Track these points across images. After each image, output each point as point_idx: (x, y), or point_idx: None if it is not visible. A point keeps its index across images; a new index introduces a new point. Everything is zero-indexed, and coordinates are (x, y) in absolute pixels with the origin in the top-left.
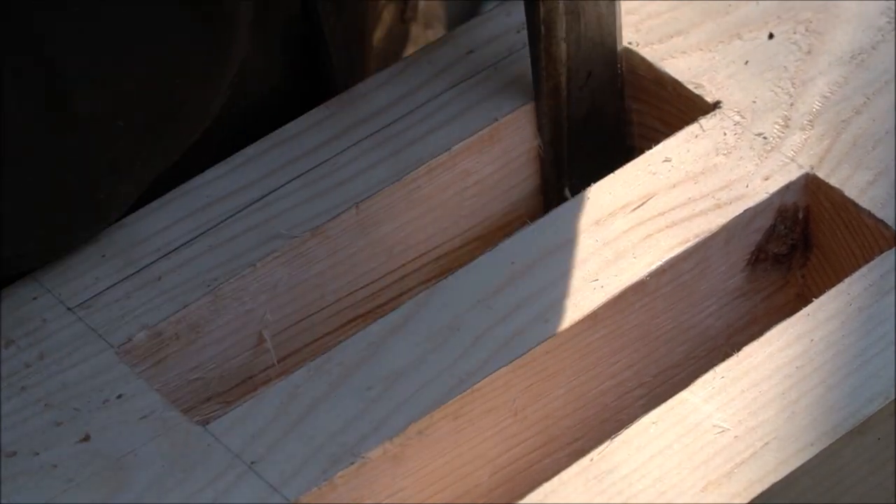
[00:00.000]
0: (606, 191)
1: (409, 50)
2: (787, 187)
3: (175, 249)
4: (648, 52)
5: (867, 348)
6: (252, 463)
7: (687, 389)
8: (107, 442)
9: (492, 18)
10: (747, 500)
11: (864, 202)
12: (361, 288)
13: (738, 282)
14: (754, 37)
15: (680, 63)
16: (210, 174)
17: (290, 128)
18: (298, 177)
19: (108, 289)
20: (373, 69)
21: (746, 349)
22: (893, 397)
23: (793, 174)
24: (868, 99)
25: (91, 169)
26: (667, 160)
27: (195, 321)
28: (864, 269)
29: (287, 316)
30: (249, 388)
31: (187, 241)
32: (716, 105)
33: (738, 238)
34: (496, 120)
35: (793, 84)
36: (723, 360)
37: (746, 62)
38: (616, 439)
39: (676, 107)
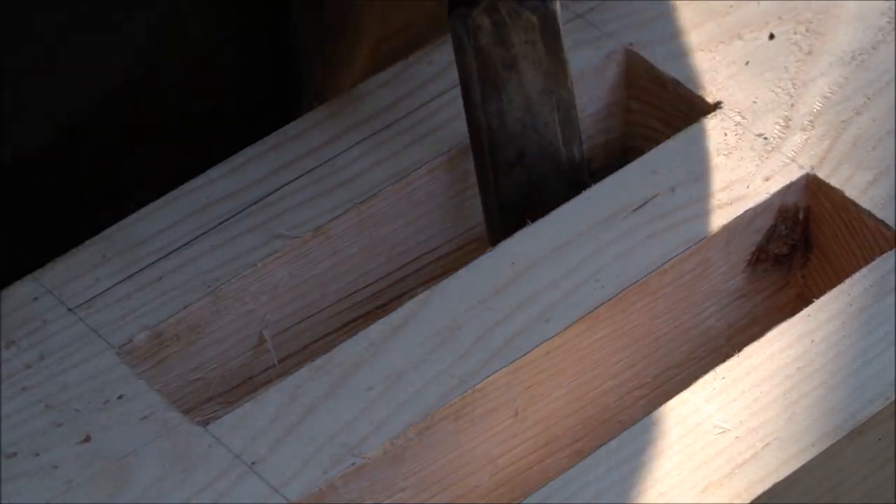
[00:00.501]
0: (607, 191)
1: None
2: (788, 188)
3: (176, 250)
4: (649, 53)
5: (868, 349)
6: (253, 463)
7: (688, 390)
8: (107, 442)
9: None
10: (748, 501)
11: (864, 203)
12: (362, 288)
13: (739, 282)
14: (755, 37)
15: (681, 63)
16: (211, 174)
17: (291, 128)
18: (299, 177)
19: (108, 289)
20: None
21: (747, 350)
22: (894, 398)
23: (793, 175)
24: (868, 99)
25: None
26: (667, 161)
27: (196, 322)
28: (864, 270)
29: (288, 316)
30: (250, 389)
31: (188, 242)
32: (716, 105)
33: (738, 238)
34: None
35: (793, 84)
36: (724, 360)
37: (747, 62)
38: (617, 440)
39: (677, 107)
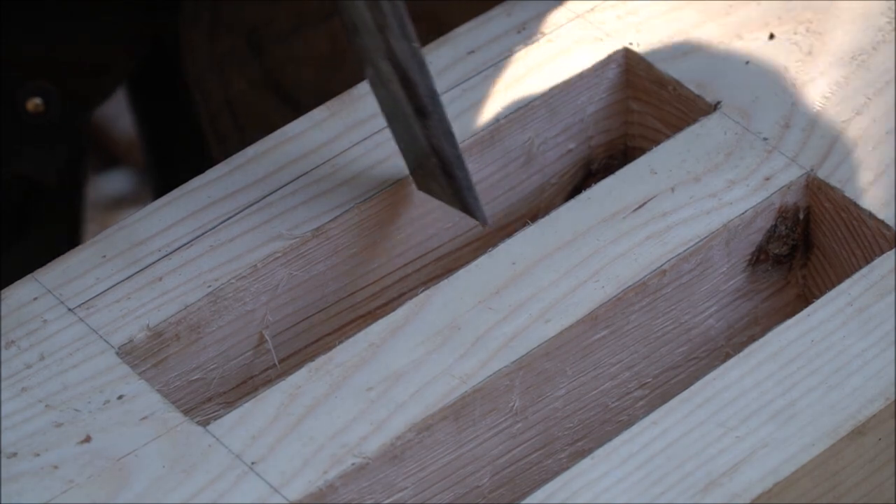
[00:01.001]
0: (607, 191)
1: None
2: (788, 188)
3: (176, 250)
4: (649, 53)
5: (868, 349)
6: (252, 463)
7: (688, 390)
8: (107, 443)
9: (492, 19)
10: (748, 501)
11: (864, 203)
12: (362, 288)
13: (739, 282)
14: (755, 37)
15: (680, 63)
16: (210, 174)
17: (291, 128)
18: (299, 177)
19: (108, 289)
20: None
21: (747, 350)
22: (894, 398)
23: (793, 175)
24: (868, 99)
25: None
26: (667, 161)
27: (196, 322)
28: (864, 270)
29: (288, 316)
30: (250, 389)
31: (188, 242)
32: (716, 105)
33: (738, 239)
34: (496, 120)
35: (793, 84)
36: (723, 360)
37: (747, 63)
38: (617, 440)
39: (677, 107)
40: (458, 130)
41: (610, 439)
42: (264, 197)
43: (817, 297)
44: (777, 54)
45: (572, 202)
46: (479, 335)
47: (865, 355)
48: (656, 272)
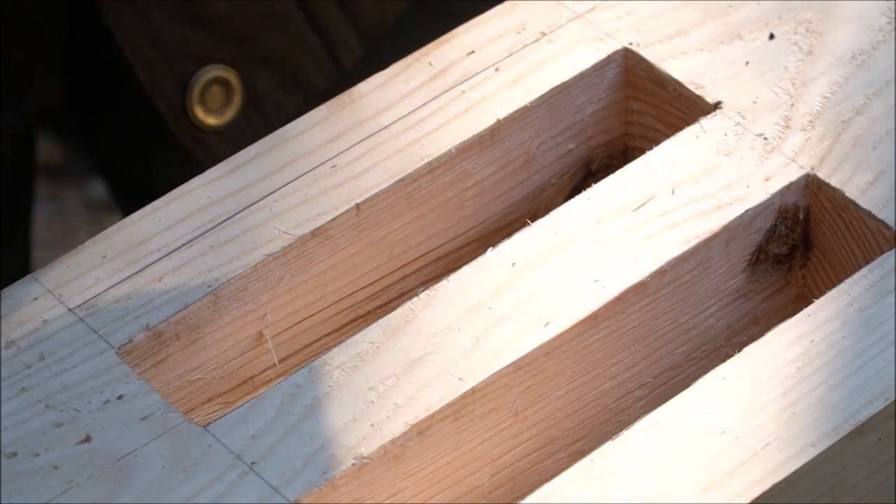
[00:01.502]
0: (607, 191)
1: None
2: (788, 188)
3: (176, 250)
4: (649, 53)
5: (868, 349)
6: (252, 463)
7: (688, 390)
8: (107, 443)
9: (492, 19)
10: (748, 501)
11: (864, 203)
12: (362, 288)
13: (739, 282)
14: (755, 37)
15: (680, 63)
16: (210, 174)
17: (291, 128)
18: (299, 177)
19: (108, 289)
20: None
21: (747, 350)
22: (894, 398)
23: (793, 175)
24: (868, 99)
25: None
26: (667, 161)
27: (196, 322)
28: (864, 270)
29: (287, 316)
30: (250, 389)
31: (188, 242)
32: (716, 105)
33: (738, 239)
34: (496, 120)
35: (793, 84)
36: (723, 360)
37: (747, 62)
38: (617, 440)
39: (677, 107)
40: (458, 130)
41: (610, 439)
42: (264, 197)
43: (817, 297)
44: (777, 54)
45: (572, 202)
46: (479, 335)
47: (865, 355)
48: (656, 272)
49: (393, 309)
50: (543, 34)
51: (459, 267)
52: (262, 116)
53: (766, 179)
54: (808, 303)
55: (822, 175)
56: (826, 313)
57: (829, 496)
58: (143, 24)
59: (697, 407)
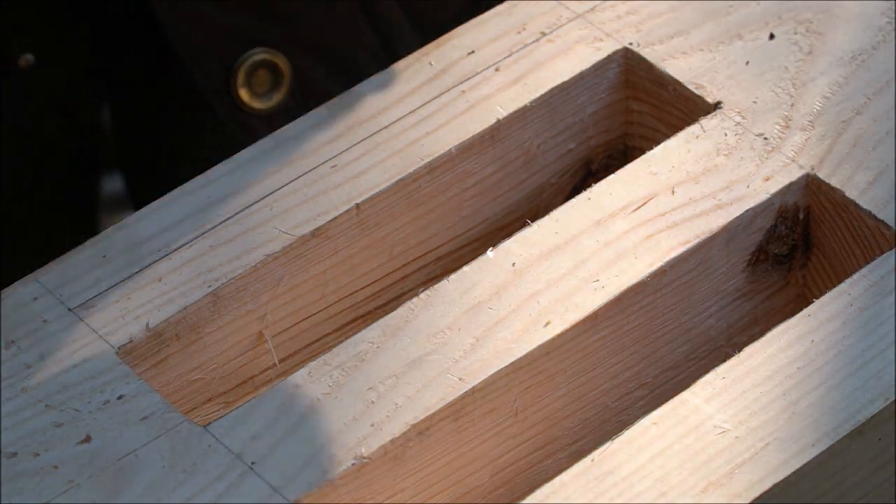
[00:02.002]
0: (607, 191)
1: None
2: (788, 188)
3: (176, 250)
4: (649, 53)
5: (868, 349)
6: (252, 463)
7: (688, 390)
8: (107, 443)
9: (492, 19)
10: (748, 501)
11: (864, 203)
12: (362, 288)
13: (739, 282)
14: (755, 37)
15: (681, 63)
16: (210, 174)
17: (291, 128)
18: (299, 177)
19: (108, 289)
20: None
21: (747, 350)
22: (894, 398)
23: (793, 175)
24: (868, 99)
25: None
26: (667, 161)
27: (196, 322)
28: (864, 270)
29: (288, 316)
30: (250, 389)
31: (188, 242)
32: (716, 105)
33: (738, 238)
34: (496, 120)
35: (793, 84)
36: (724, 360)
37: (747, 62)
38: (617, 440)
39: (677, 107)
40: (458, 130)
41: (610, 439)
42: (264, 197)
43: (817, 297)
44: (777, 54)
45: (572, 202)
46: (479, 335)
47: (865, 355)
48: (656, 272)
49: (393, 309)
50: (543, 34)
51: (459, 267)
52: (309, 102)
53: (766, 179)
54: (808, 303)
55: (822, 175)
56: (826, 313)
57: (830, 496)
58: (188, 2)
59: (698, 407)
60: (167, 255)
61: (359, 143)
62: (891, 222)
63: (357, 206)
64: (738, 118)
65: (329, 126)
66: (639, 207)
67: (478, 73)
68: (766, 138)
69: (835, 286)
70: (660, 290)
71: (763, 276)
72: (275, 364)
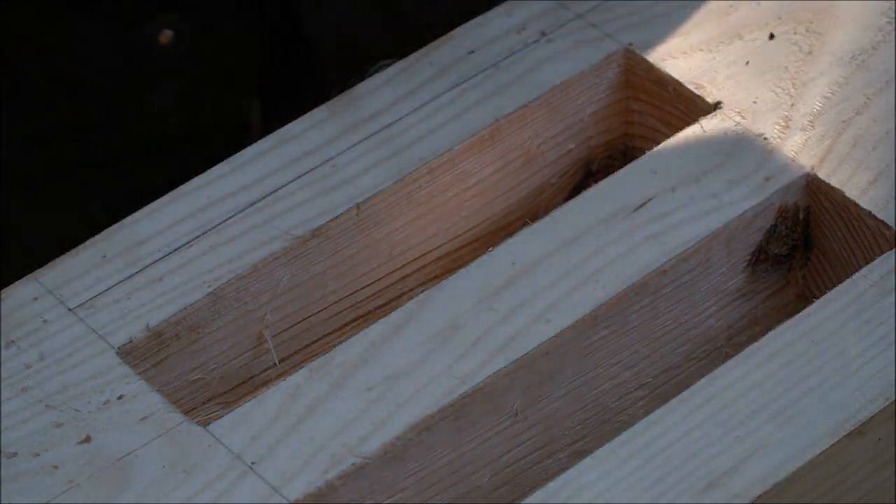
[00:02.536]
0: (607, 191)
1: None
2: (788, 188)
3: (176, 250)
4: (649, 53)
5: (868, 349)
6: (252, 463)
7: (688, 389)
8: (107, 443)
9: (492, 19)
10: (749, 501)
11: (864, 203)
12: (362, 288)
13: (739, 282)
14: (755, 37)
15: (681, 63)
16: (211, 174)
17: (291, 128)
18: (299, 177)
19: (108, 289)
20: None
21: (747, 349)
22: (894, 398)
23: (793, 174)
24: (868, 99)
25: None
26: (667, 161)
27: (196, 322)
28: (864, 270)
29: (288, 316)
30: (250, 389)
31: (188, 242)
32: (716, 105)
33: (738, 239)
34: (496, 120)
35: (793, 84)
36: (724, 360)
37: (747, 62)
38: (617, 440)
39: (677, 107)
40: (458, 130)
41: (610, 439)
42: (264, 197)
43: (817, 297)
44: (777, 54)
45: (572, 202)
46: (479, 335)
47: (865, 355)
48: (656, 272)
49: (393, 309)
50: (543, 34)
51: (459, 267)
52: None
53: (766, 179)
54: (808, 303)
55: (822, 175)
56: (826, 313)
57: (829, 496)
58: (330, 11)
59: (697, 407)
60: (168, 255)
61: (359, 143)
62: (891, 222)
63: (357, 206)
64: (738, 118)
65: (329, 126)
66: (639, 207)
67: (478, 73)
68: (765, 138)
69: (835, 286)
70: (660, 290)
71: (763, 276)
72: (275, 364)
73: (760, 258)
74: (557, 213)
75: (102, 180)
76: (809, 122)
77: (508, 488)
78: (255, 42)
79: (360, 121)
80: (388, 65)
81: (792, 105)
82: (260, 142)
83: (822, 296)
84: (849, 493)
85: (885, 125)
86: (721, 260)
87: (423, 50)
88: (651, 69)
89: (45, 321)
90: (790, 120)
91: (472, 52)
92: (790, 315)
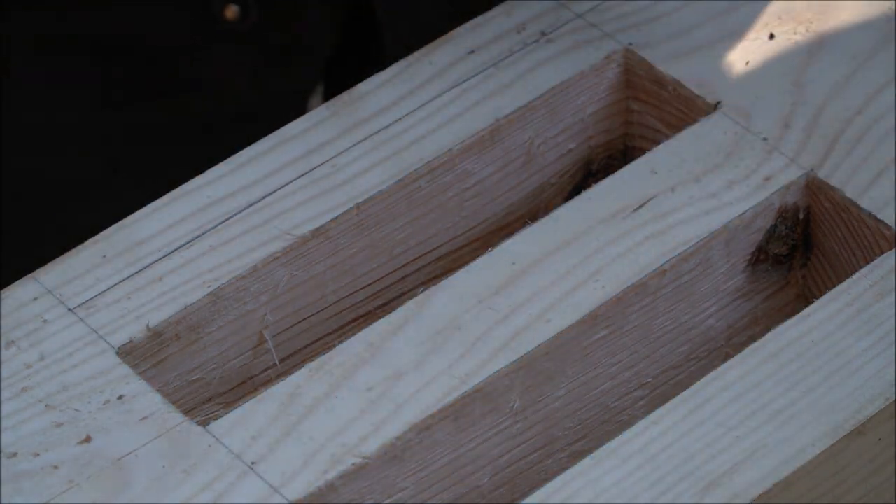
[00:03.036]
0: (607, 191)
1: None
2: (788, 188)
3: (176, 250)
4: (649, 53)
5: (868, 349)
6: (252, 463)
7: (688, 390)
8: (107, 443)
9: (492, 19)
10: (748, 501)
11: (864, 203)
12: (362, 288)
13: (739, 282)
14: (755, 37)
15: (681, 63)
16: (211, 174)
17: (291, 128)
18: (299, 177)
19: (108, 289)
20: None
21: (747, 350)
22: (894, 398)
23: (793, 174)
24: (869, 99)
25: None
26: (667, 161)
27: (196, 322)
28: (864, 270)
29: (288, 316)
30: (250, 389)
31: (188, 242)
32: (716, 105)
33: (738, 239)
34: (496, 120)
35: (793, 84)
36: (724, 360)
37: (747, 62)
38: (617, 440)
39: (677, 107)
40: (458, 130)
41: (610, 439)
42: (264, 197)
43: (817, 297)
44: (777, 54)
45: (572, 202)
46: (479, 335)
47: (865, 355)
48: (656, 272)
49: (393, 309)
50: (543, 34)
51: (459, 267)
52: None
53: (766, 179)
54: (808, 303)
55: (822, 175)
56: (826, 313)
57: (829, 496)
58: (411, 14)
59: (697, 407)
60: (168, 255)
61: (359, 143)
62: (891, 222)
63: (357, 206)
64: (738, 118)
65: (329, 126)
66: (639, 207)
67: (478, 73)
68: (765, 138)
69: (835, 286)
70: (660, 290)
71: (763, 276)
72: (275, 364)
73: (760, 258)
74: (557, 213)
75: (166, 154)
76: (809, 122)
77: (508, 488)
78: (325, 24)
79: (360, 121)
80: None
81: (792, 105)
82: (260, 142)
83: (822, 296)
84: (849, 493)
85: (886, 125)
86: (721, 260)
87: (423, 50)
88: (651, 69)
89: (45, 321)
90: (790, 120)
91: (472, 52)
92: (790, 315)
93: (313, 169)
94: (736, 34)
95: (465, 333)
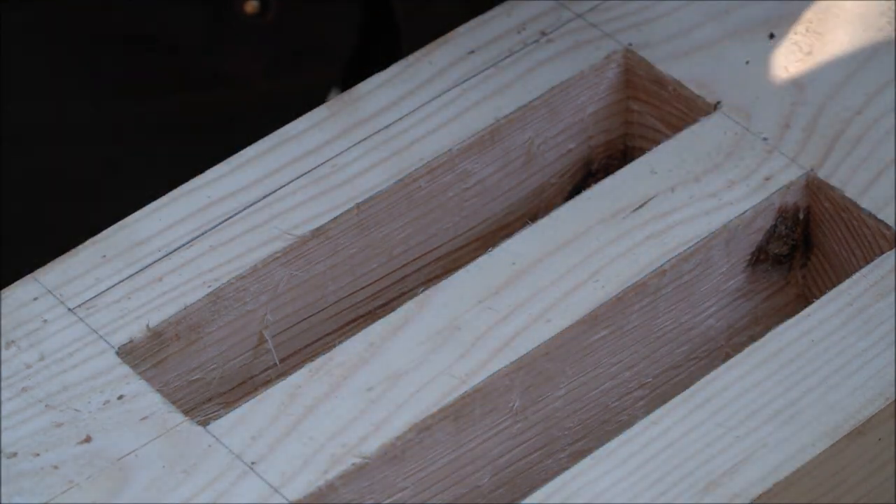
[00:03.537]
0: (607, 191)
1: None
2: (788, 188)
3: (176, 250)
4: (649, 53)
5: (868, 349)
6: (252, 463)
7: (688, 390)
8: (107, 443)
9: (492, 19)
10: (748, 501)
11: (864, 203)
12: (362, 288)
13: (739, 282)
14: (755, 37)
15: (681, 63)
16: (211, 174)
17: (291, 128)
18: (299, 177)
19: (108, 289)
20: None
21: (747, 350)
22: (894, 398)
23: (793, 174)
24: (868, 99)
25: None
26: (667, 161)
27: (196, 322)
28: (864, 270)
29: (288, 316)
30: (250, 389)
31: (188, 242)
32: (716, 105)
33: (738, 239)
34: (496, 120)
35: (793, 84)
36: (724, 360)
37: (747, 62)
38: (617, 440)
39: (677, 107)
40: (458, 130)
41: (610, 439)
42: (264, 197)
43: (817, 297)
44: (777, 54)
45: (572, 202)
46: (479, 335)
47: (865, 355)
48: (656, 272)
49: (393, 309)
50: (543, 34)
51: (459, 267)
52: None
53: (766, 179)
54: (808, 303)
55: (822, 175)
56: (826, 313)
57: (829, 496)
58: (427, 15)
59: (697, 407)
60: (168, 255)
61: (359, 143)
62: (891, 222)
63: (357, 206)
64: (738, 118)
65: (329, 126)
66: (639, 207)
67: (478, 73)
68: (765, 138)
69: (835, 286)
70: (660, 290)
71: (763, 276)
72: (275, 364)
73: (760, 258)
74: (557, 213)
75: (183, 146)
76: (809, 122)
77: (508, 488)
78: (343, 22)
79: (360, 121)
80: None
81: (792, 105)
82: (260, 142)
83: (822, 296)
84: (849, 493)
85: (886, 125)
86: (721, 260)
87: (423, 50)
88: (651, 69)
89: (45, 321)
90: (790, 120)
91: (472, 52)
92: (790, 315)
93: (313, 169)
94: (736, 34)
95: (465, 333)
